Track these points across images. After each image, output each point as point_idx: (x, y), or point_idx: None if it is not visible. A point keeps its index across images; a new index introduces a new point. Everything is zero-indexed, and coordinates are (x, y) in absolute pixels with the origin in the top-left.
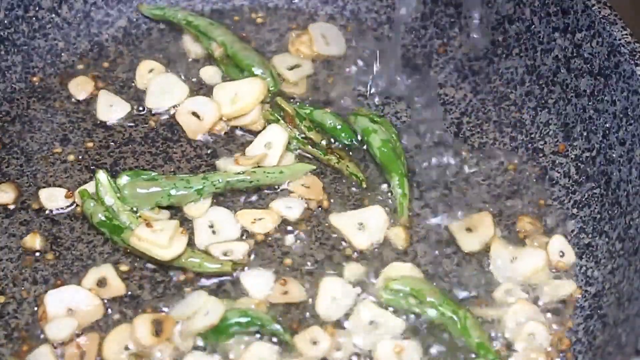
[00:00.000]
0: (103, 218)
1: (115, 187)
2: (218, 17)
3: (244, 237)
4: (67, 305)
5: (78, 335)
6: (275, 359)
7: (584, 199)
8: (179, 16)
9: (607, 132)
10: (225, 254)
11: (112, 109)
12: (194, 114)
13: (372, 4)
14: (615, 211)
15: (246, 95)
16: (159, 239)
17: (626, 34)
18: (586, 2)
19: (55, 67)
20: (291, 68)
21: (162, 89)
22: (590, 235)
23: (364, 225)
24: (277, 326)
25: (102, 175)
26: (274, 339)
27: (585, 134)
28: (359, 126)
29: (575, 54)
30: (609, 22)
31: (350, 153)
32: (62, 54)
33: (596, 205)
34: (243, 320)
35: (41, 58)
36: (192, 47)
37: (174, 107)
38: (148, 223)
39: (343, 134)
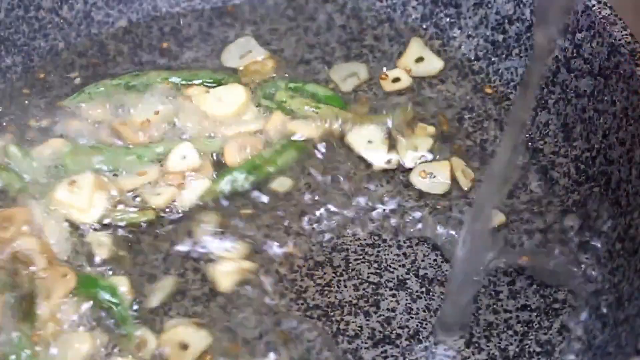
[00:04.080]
0: (19, 187)
1: (26, 158)
2: (218, 16)
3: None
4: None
5: None
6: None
7: (583, 199)
8: (101, 88)
9: (607, 132)
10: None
11: None
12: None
13: (372, 4)
14: (615, 211)
15: (232, 98)
16: (78, 201)
17: (626, 34)
18: (586, 2)
19: (55, 66)
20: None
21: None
22: (590, 235)
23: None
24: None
25: (13, 149)
26: None
27: (585, 134)
28: None
29: (575, 54)
30: (609, 23)
31: None
32: (63, 54)
33: (596, 205)
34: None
35: (41, 58)
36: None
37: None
38: (71, 181)
39: (335, 102)
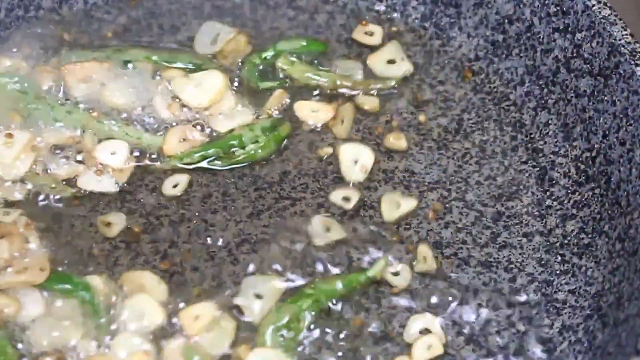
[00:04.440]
0: None
1: None
2: (218, 14)
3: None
4: None
5: None
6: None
7: (584, 199)
8: (82, 55)
9: (607, 132)
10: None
11: None
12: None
13: (371, 3)
14: (615, 211)
15: (209, 85)
16: (4, 156)
17: (626, 34)
18: (586, 2)
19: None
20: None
21: None
22: (590, 235)
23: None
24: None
25: None
26: None
27: (585, 134)
28: None
29: (575, 54)
30: (609, 23)
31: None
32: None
33: (596, 205)
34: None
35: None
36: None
37: None
38: (8, 134)
39: (315, 46)
